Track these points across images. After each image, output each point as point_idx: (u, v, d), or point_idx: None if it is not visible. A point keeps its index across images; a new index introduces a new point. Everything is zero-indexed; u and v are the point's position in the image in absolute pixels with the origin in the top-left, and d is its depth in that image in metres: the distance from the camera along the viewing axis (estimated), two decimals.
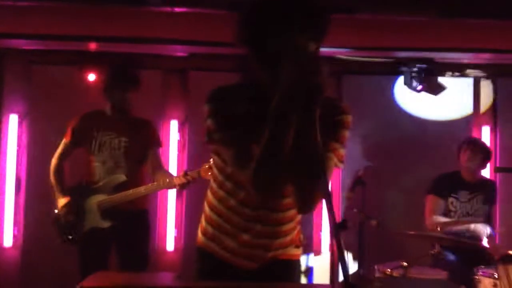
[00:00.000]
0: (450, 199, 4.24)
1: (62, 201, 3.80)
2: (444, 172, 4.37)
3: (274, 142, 1.59)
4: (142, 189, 3.80)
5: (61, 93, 4.80)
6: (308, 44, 1.57)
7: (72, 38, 3.95)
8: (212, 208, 1.94)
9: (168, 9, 3.20)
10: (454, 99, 5.13)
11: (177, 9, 3.23)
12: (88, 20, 3.63)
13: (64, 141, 3.91)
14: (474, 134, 5.10)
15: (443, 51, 4.14)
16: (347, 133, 1.83)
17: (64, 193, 3.83)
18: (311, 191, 1.68)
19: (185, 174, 3.74)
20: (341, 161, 1.84)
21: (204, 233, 1.97)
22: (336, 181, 4.90)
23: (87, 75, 4.69)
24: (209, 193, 1.97)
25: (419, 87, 4.66)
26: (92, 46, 4.26)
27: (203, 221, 2.00)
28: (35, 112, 4.92)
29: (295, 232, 1.98)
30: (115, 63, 4.17)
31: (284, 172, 1.66)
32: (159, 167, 3.99)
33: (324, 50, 3.99)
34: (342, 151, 1.83)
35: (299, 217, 1.96)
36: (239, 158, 1.69)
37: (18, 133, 4.90)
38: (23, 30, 3.93)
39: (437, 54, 4.27)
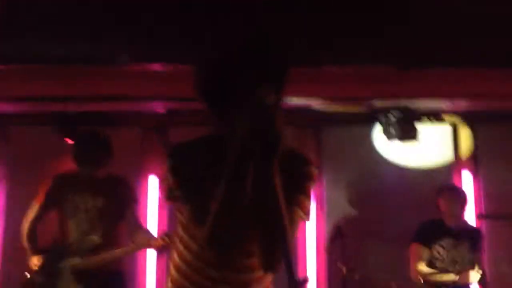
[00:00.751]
0: (436, 247, 4.16)
1: (35, 261, 3.70)
2: (427, 220, 4.31)
3: (229, 195, 1.55)
4: (119, 252, 3.72)
5: (40, 155, 4.76)
6: (265, 94, 1.53)
7: (47, 99, 3.94)
8: (177, 269, 1.86)
9: (138, 67, 3.20)
10: (434, 146, 5.14)
11: (147, 68, 3.24)
12: (63, 81, 3.63)
13: (36, 205, 3.81)
14: (456, 181, 5.08)
15: (417, 98, 4.16)
16: (312, 185, 1.78)
17: (38, 253, 3.73)
18: (273, 248, 1.60)
19: (164, 236, 3.69)
20: (306, 214, 1.78)
21: None
22: (320, 233, 4.82)
23: (66, 137, 4.63)
24: (174, 254, 1.89)
25: (397, 135, 4.65)
26: (69, 106, 4.25)
27: (168, 283, 1.93)
28: (13, 175, 4.88)
29: None
30: (85, 130, 4.13)
31: (243, 228, 1.61)
32: (137, 226, 3.91)
33: (299, 101, 4.01)
34: (308, 204, 1.77)
35: (269, 277, 1.85)
36: (197, 215, 1.64)
37: None
38: None
39: (412, 102, 4.29)
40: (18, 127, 4.92)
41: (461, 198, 4.29)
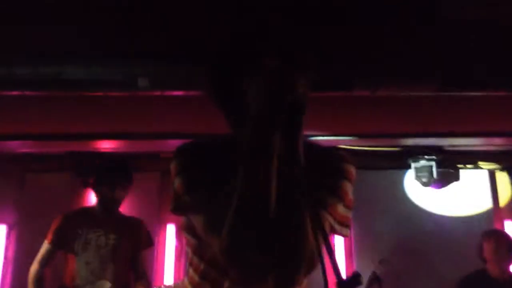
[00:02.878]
0: None
1: None
2: (470, 273, 3.97)
3: (250, 187, 1.19)
4: None
5: (54, 201, 4.56)
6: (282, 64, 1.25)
7: (62, 136, 3.76)
8: None
9: (158, 93, 3.03)
10: (471, 193, 4.83)
11: (167, 93, 3.06)
12: (80, 112, 3.48)
13: (45, 245, 3.56)
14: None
15: (451, 136, 3.90)
16: (349, 186, 1.41)
17: None
18: (286, 261, 1.24)
19: None
20: (343, 224, 1.40)
21: None
22: None
23: (81, 183, 4.45)
24: (185, 279, 1.51)
25: (430, 182, 4.35)
26: (86, 145, 4.07)
27: None
28: (25, 222, 4.65)
29: None
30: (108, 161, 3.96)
31: (272, 237, 1.21)
32: (141, 275, 3.66)
33: (326, 139, 3.76)
34: (343, 210, 1.39)
35: None
36: (212, 224, 1.28)
37: (5, 245, 4.59)
38: (15, 129, 3.75)
39: (446, 141, 4.03)
40: (33, 173, 4.76)
41: (508, 245, 3.97)
